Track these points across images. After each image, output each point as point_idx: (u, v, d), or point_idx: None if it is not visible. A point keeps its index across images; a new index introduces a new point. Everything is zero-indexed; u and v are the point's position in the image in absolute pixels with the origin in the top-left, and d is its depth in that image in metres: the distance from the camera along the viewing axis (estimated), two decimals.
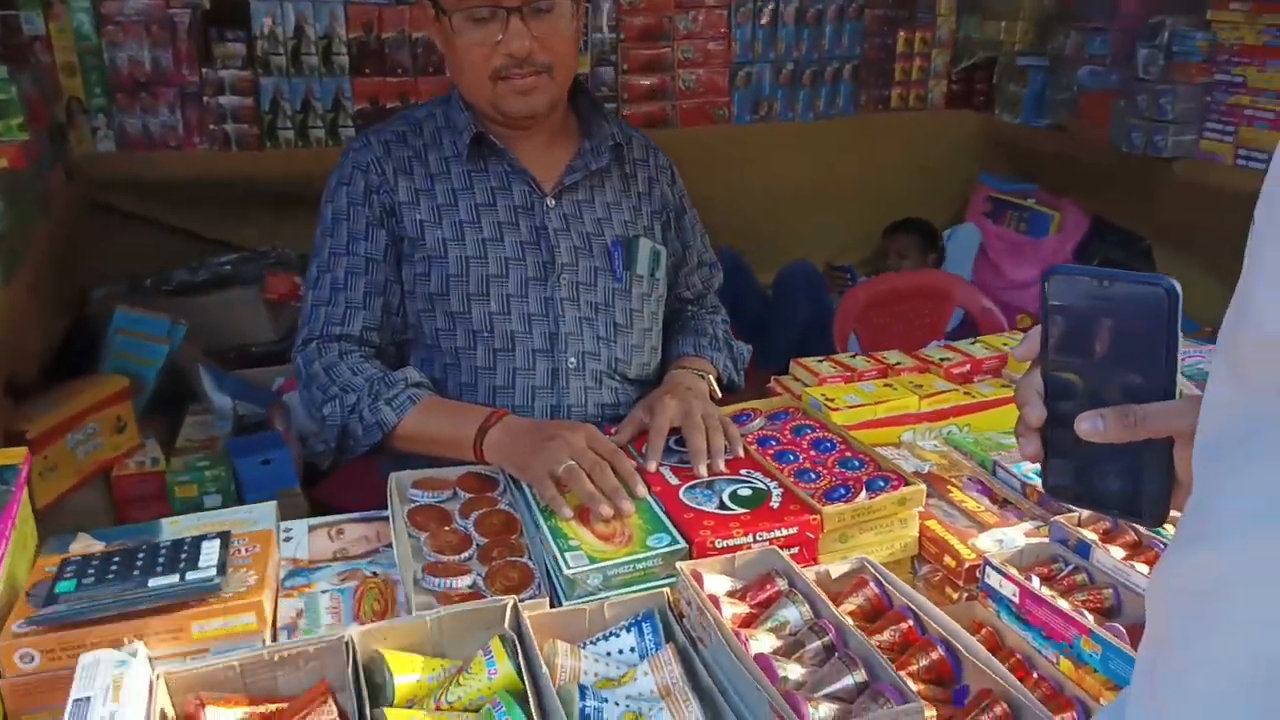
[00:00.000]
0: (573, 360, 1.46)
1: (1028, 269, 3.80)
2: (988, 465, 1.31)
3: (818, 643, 0.92)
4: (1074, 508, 1.17)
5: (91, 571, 0.95)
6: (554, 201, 1.48)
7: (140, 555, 0.98)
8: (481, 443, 1.30)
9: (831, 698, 0.85)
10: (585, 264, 1.47)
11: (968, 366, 1.51)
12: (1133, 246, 3.62)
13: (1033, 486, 1.25)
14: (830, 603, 0.96)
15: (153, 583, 0.93)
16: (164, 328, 2.40)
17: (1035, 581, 1.03)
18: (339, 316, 1.43)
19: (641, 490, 1.18)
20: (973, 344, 1.60)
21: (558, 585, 1.06)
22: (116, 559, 0.98)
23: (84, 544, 1.13)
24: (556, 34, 1.39)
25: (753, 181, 3.66)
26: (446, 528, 1.16)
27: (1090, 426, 0.69)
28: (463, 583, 1.06)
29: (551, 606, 1.02)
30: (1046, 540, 1.13)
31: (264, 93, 3.10)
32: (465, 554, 1.12)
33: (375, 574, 1.11)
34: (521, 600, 0.98)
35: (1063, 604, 0.99)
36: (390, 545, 1.18)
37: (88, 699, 0.83)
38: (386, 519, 1.24)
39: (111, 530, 1.14)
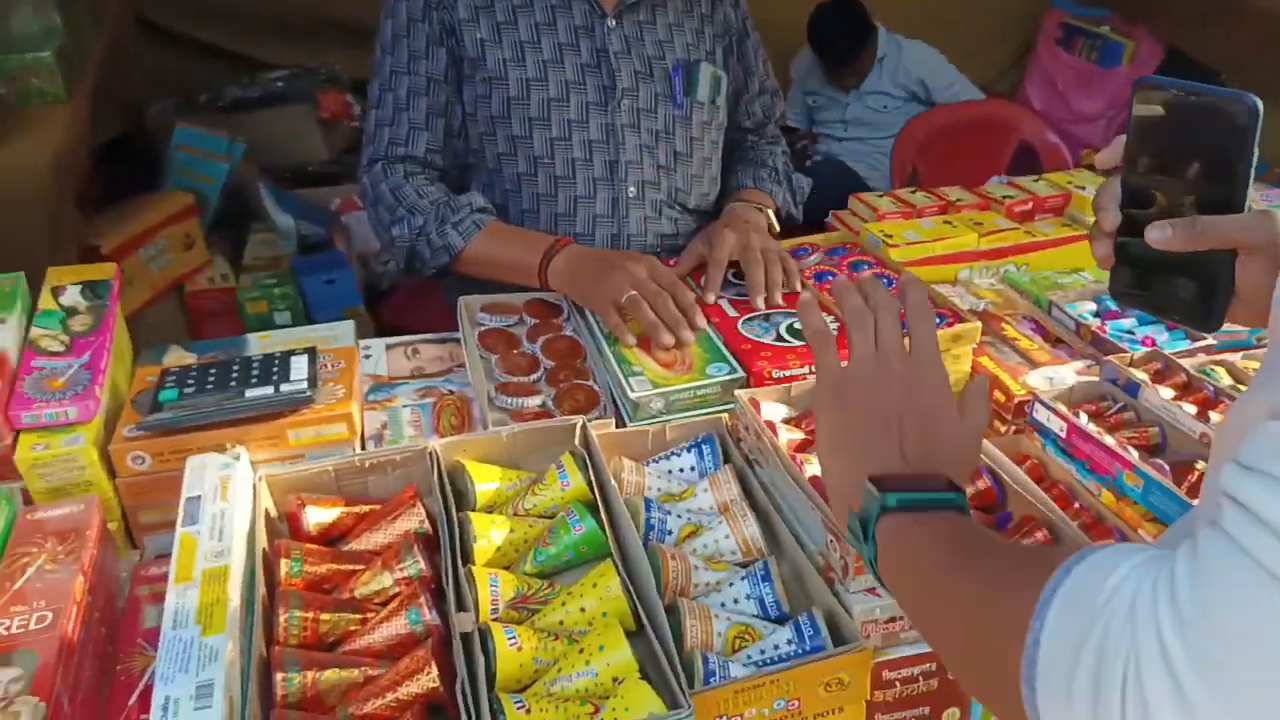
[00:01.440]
0: (633, 189, 1.47)
1: (1097, 101, 3.65)
2: (1043, 304, 1.33)
3: None
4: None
5: (191, 382, 1.02)
6: (615, 22, 1.45)
7: (235, 368, 1.04)
8: (546, 269, 1.33)
9: None
10: (646, 89, 1.46)
11: (1030, 204, 1.50)
12: (1208, 80, 3.45)
13: (1086, 326, 1.27)
14: None
15: (249, 393, 1.00)
16: (224, 145, 2.43)
17: (1083, 418, 1.07)
18: (402, 137, 1.44)
19: (701, 321, 1.21)
20: (1035, 181, 1.58)
21: (623, 408, 1.12)
22: (213, 371, 1.04)
23: (177, 355, 1.20)
24: None
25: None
26: (515, 350, 1.22)
27: (1159, 235, 0.73)
28: (533, 402, 1.12)
29: (617, 427, 1.08)
30: (1097, 379, 1.16)
31: None
32: (534, 376, 1.17)
33: (451, 391, 1.18)
34: (589, 420, 1.04)
35: (1109, 440, 1.03)
36: (463, 365, 1.24)
37: (199, 497, 0.92)
38: (458, 340, 1.29)
39: (200, 343, 1.20)
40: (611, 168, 1.45)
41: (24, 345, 1.04)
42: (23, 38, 2.07)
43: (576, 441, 1.03)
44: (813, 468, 0.97)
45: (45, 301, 1.10)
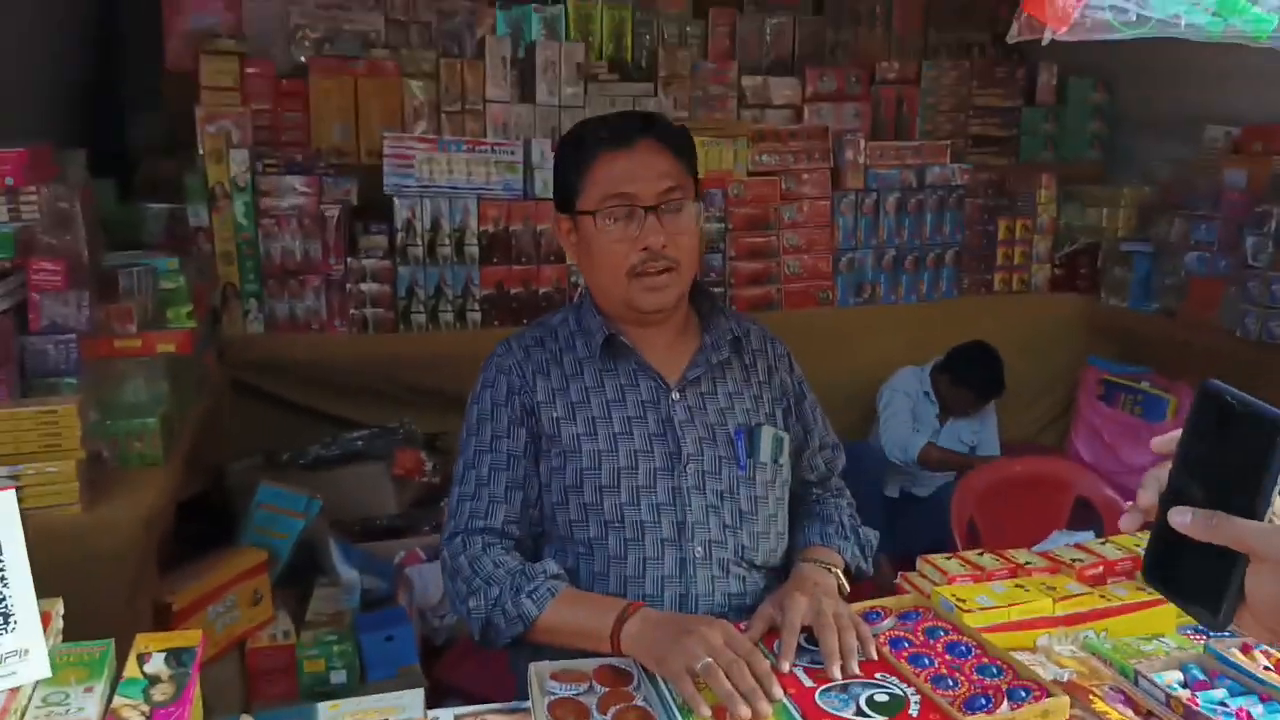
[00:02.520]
0: (699, 549, 1.50)
1: (1145, 453, 3.69)
2: (1129, 674, 1.28)
3: None
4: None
5: None
6: (679, 395, 1.56)
7: None
8: (619, 635, 1.34)
9: None
10: (710, 453, 1.54)
11: (1100, 568, 1.50)
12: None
13: (1177, 698, 1.22)
14: None
15: None
16: (302, 503, 2.53)
17: None
18: (482, 510, 1.51)
19: (778, 692, 1.19)
20: (1103, 544, 1.58)
21: None
22: None
23: None
24: (684, 231, 1.52)
25: (858, 361, 3.73)
26: None
27: (1179, 520, 0.79)
28: None
29: None
30: None
31: (401, 280, 3.35)
32: None
33: None
34: None
35: None
36: None
37: None
38: (526, 709, 1.27)
39: (270, 713, 1.20)
40: (679, 529, 1.50)
41: (105, 715, 1.05)
42: (131, 405, 2.27)
43: None
44: None
45: (130, 669, 1.12)
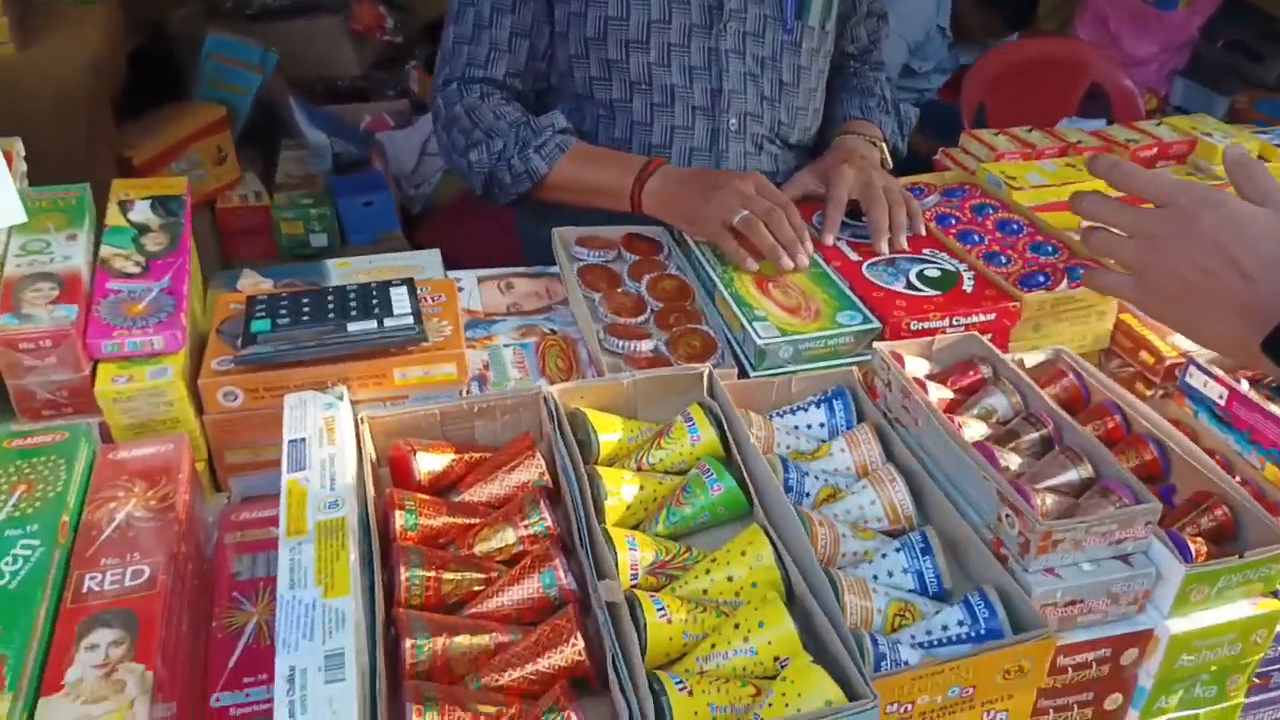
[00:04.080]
0: (734, 121, 1.36)
1: (1149, 43, 3.51)
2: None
3: (1034, 434, 0.89)
4: None
5: (284, 312, 0.93)
6: None
7: (330, 298, 0.95)
8: (640, 192, 1.23)
9: (1054, 491, 0.83)
10: (754, 10, 1.34)
11: (1154, 150, 1.40)
12: (1265, 27, 3.32)
13: None
14: (1042, 392, 0.92)
15: (352, 327, 0.91)
16: (256, 55, 2.29)
17: (1244, 384, 0.99)
18: (482, 58, 1.33)
19: (811, 248, 1.13)
20: (1158, 125, 1.47)
21: (743, 355, 1.03)
22: (306, 300, 0.95)
23: (252, 280, 1.11)
24: None
25: None
26: (619, 289, 1.13)
27: None
28: (645, 346, 1.04)
29: (739, 377, 1.00)
30: None
31: None
32: (641, 317, 1.08)
33: (553, 331, 1.09)
34: (711, 368, 0.96)
35: (1274, 408, 0.95)
36: (561, 302, 1.15)
37: (303, 440, 0.83)
38: (552, 275, 1.20)
39: (276, 270, 1.11)
40: (713, 96, 1.34)
41: (95, 264, 0.94)
42: None
43: (704, 391, 0.94)
44: (969, 430, 0.89)
45: (113, 217, 1.00)
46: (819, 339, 1.02)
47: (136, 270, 0.94)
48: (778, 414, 0.97)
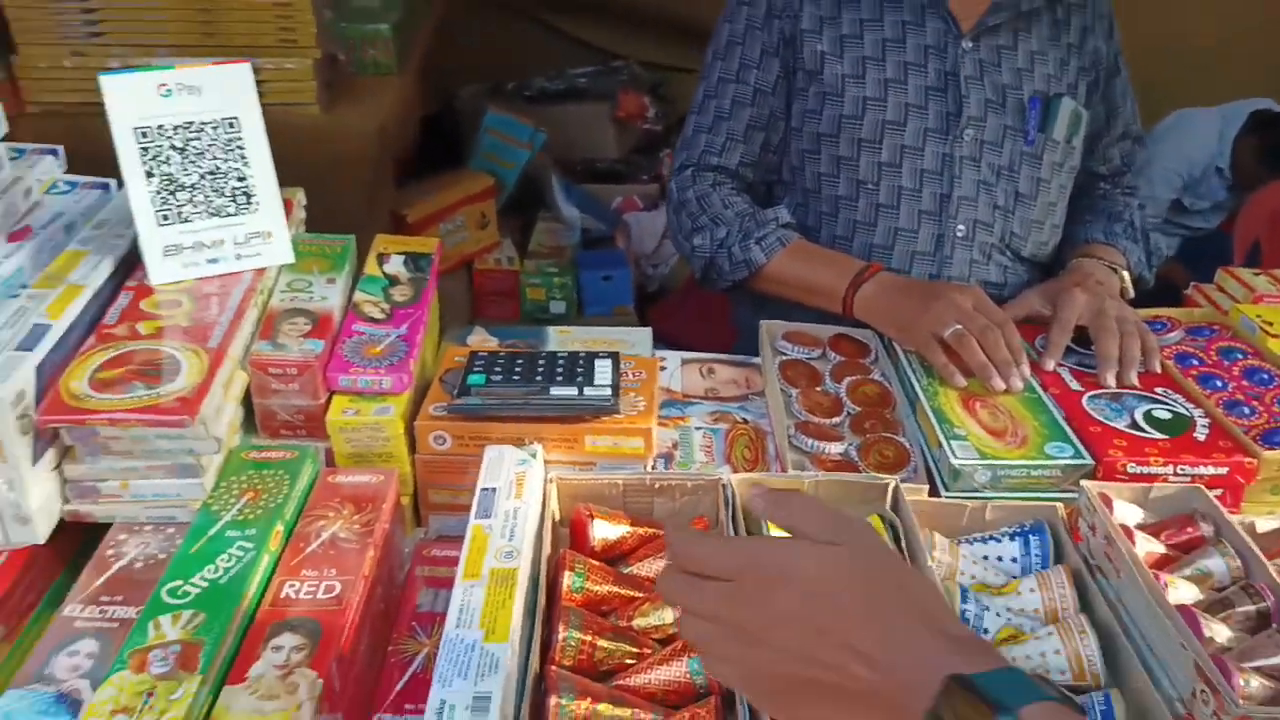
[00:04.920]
0: (962, 228, 1.34)
1: None
2: None
3: (1250, 606, 0.80)
4: None
5: (499, 370, 1.00)
6: (971, 44, 1.32)
7: (541, 362, 1.02)
8: (853, 296, 1.23)
9: (1263, 673, 0.74)
10: (995, 120, 1.32)
11: None
12: None
13: None
14: (1267, 562, 0.83)
15: (554, 391, 0.97)
16: (527, 133, 2.49)
17: None
18: (718, 147, 1.39)
19: (1027, 371, 1.08)
20: None
21: (937, 473, 1.00)
22: (520, 362, 1.02)
23: (480, 337, 1.20)
24: None
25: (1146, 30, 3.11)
26: (818, 388, 1.12)
27: None
28: (835, 449, 1.03)
29: (930, 495, 0.96)
30: None
31: None
32: (836, 419, 1.08)
33: (745, 420, 1.10)
34: (900, 481, 0.93)
35: None
36: (758, 394, 1.16)
37: (494, 490, 0.89)
38: (754, 365, 1.22)
39: (502, 329, 1.19)
40: (942, 202, 1.33)
41: (347, 307, 1.06)
42: (363, 10, 2.22)
43: (887, 504, 0.92)
44: (1176, 592, 0.81)
45: (370, 266, 1.12)
46: (1022, 467, 0.97)
47: (381, 316, 1.04)
48: (967, 540, 0.93)
